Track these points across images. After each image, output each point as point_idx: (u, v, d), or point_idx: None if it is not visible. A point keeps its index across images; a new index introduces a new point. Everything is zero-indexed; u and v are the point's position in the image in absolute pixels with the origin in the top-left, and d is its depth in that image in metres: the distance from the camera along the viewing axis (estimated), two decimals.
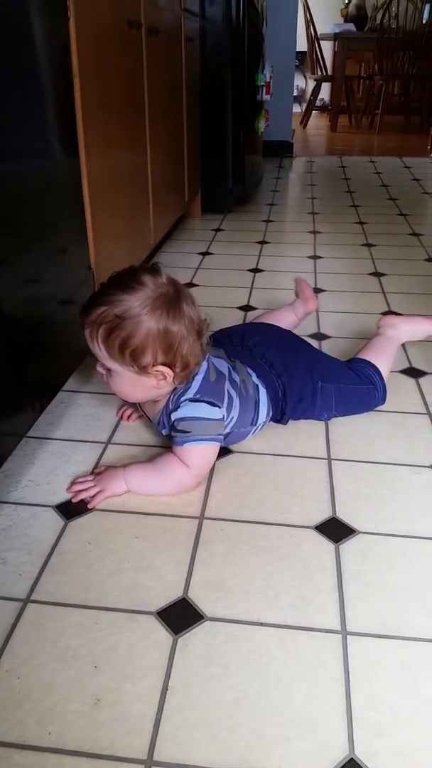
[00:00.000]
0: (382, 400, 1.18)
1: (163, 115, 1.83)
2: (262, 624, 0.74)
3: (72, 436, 1.10)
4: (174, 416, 0.95)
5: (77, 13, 1.06)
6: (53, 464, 1.03)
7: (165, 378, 0.92)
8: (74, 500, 0.94)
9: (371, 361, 1.20)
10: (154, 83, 1.68)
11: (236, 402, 1.01)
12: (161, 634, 0.73)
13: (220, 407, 0.96)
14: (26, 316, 0.94)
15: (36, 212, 0.96)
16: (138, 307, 0.87)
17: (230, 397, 0.99)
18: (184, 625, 0.74)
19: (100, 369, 0.96)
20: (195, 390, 0.95)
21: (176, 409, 0.95)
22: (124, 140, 1.43)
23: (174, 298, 0.90)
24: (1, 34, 0.80)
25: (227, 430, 1.01)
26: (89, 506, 0.93)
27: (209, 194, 2.66)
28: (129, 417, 1.15)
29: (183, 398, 0.95)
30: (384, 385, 1.18)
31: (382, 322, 1.32)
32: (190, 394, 0.95)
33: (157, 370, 0.90)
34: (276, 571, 0.82)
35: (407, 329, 1.30)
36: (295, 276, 1.47)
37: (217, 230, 2.47)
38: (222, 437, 0.99)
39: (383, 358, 1.22)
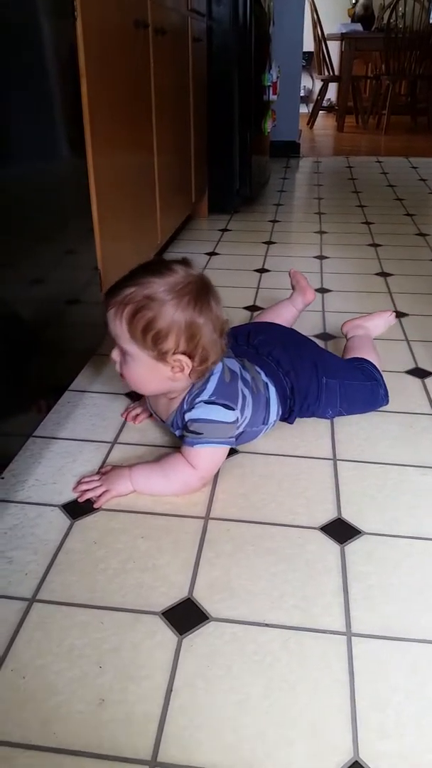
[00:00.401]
0: (386, 399, 1.18)
1: (170, 115, 1.83)
2: (266, 625, 0.74)
3: (78, 436, 1.11)
4: (188, 416, 0.95)
5: (84, 13, 1.07)
6: (59, 464, 1.03)
7: (182, 369, 0.90)
8: (80, 500, 0.94)
9: (365, 357, 1.22)
10: (161, 83, 1.68)
11: (249, 401, 1.00)
12: (166, 634, 0.73)
13: (234, 409, 0.96)
14: (33, 315, 0.94)
15: (43, 212, 0.97)
16: (166, 292, 0.87)
17: (244, 397, 0.99)
18: (188, 626, 0.74)
19: (114, 356, 0.94)
20: (210, 392, 0.94)
21: (191, 409, 0.95)
22: (130, 140, 1.43)
23: (202, 291, 0.90)
24: (8, 34, 0.81)
25: (240, 429, 1.01)
26: (95, 506, 0.93)
27: (216, 194, 2.67)
28: (136, 418, 1.15)
29: (198, 399, 0.94)
30: (384, 380, 1.19)
31: (345, 328, 1.36)
32: (205, 396, 0.94)
33: (176, 359, 0.89)
34: (281, 572, 0.82)
35: (371, 325, 1.35)
36: (290, 270, 1.47)
37: (224, 230, 2.47)
38: (233, 440, 0.98)
39: (371, 354, 1.24)
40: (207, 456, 0.95)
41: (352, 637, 0.73)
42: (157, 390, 0.97)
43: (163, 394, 1.00)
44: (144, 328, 0.87)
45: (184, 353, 0.89)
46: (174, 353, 0.89)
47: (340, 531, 0.89)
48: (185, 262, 0.91)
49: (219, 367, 0.96)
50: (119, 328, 0.89)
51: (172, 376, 0.92)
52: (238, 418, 0.97)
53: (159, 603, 0.77)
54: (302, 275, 1.42)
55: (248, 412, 1.01)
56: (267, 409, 1.05)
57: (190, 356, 0.90)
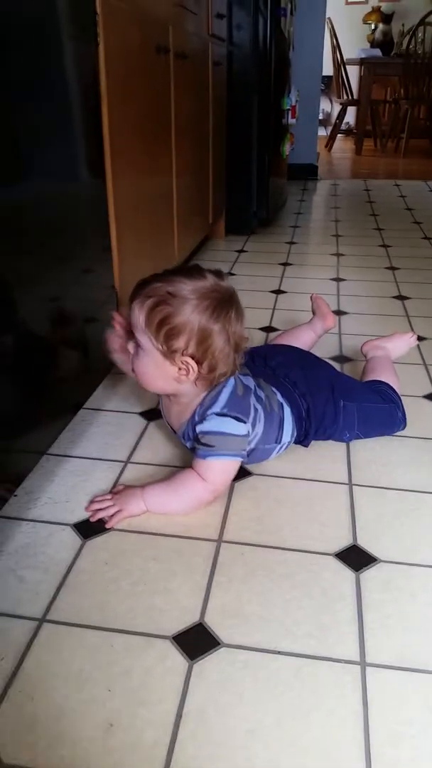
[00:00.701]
0: (403, 422, 1.17)
1: (189, 138, 1.85)
2: (279, 652, 0.73)
3: (92, 454, 1.10)
4: (199, 429, 0.95)
5: (107, 38, 1.08)
6: (72, 482, 1.03)
7: (188, 373, 0.91)
8: (92, 519, 0.93)
9: (383, 380, 1.21)
10: (181, 107, 1.70)
11: (261, 416, 1.00)
12: (177, 659, 0.72)
13: (245, 422, 0.95)
14: (50, 333, 0.95)
15: (62, 232, 0.97)
16: (191, 293, 0.89)
17: (256, 411, 0.99)
18: (200, 651, 0.73)
19: (129, 348, 0.95)
20: (222, 404, 0.94)
21: (202, 421, 0.95)
22: (150, 163, 1.45)
23: (226, 302, 0.91)
24: (33, 57, 0.82)
25: (251, 445, 1.01)
26: (107, 526, 0.92)
27: (233, 216, 2.68)
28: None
29: (210, 411, 0.94)
30: (402, 402, 1.18)
31: (365, 349, 1.35)
32: (216, 408, 0.94)
33: (183, 361, 0.90)
34: (294, 599, 0.80)
35: (391, 346, 1.35)
36: (312, 294, 1.47)
37: (241, 251, 2.47)
38: (245, 453, 0.98)
39: (389, 376, 1.24)
40: (218, 469, 0.94)
41: (367, 667, 0.71)
42: (162, 389, 0.97)
43: (175, 401, 1.00)
44: (160, 322, 0.88)
45: (192, 356, 0.90)
46: (183, 354, 0.90)
47: (356, 558, 0.88)
48: (218, 273, 0.93)
49: (232, 380, 0.96)
50: (138, 317, 0.90)
51: (178, 378, 0.92)
52: (249, 432, 0.97)
53: (170, 627, 0.76)
54: (324, 300, 1.43)
55: (260, 428, 1.00)
56: (280, 428, 1.05)
57: (198, 362, 0.90)
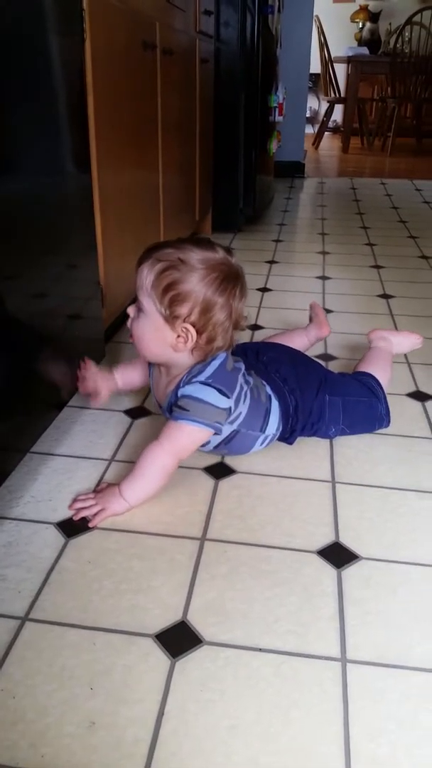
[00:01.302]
0: (387, 418, 1.18)
1: (176, 134, 1.84)
2: (260, 650, 0.74)
3: (76, 453, 1.10)
4: (180, 392, 0.96)
5: (93, 34, 1.08)
6: (56, 480, 1.02)
7: (186, 341, 0.93)
8: (75, 518, 0.93)
9: (371, 372, 1.22)
10: (168, 103, 1.69)
11: (247, 399, 1.01)
12: (159, 657, 0.72)
13: (228, 397, 0.96)
14: (34, 330, 0.95)
15: (47, 227, 0.97)
16: (200, 262, 0.91)
17: (241, 390, 1.00)
18: (182, 649, 0.73)
19: (130, 311, 0.96)
20: (208, 374, 0.95)
21: (184, 387, 0.96)
22: (136, 158, 1.44)
23: (232, 277, 0.93)
24: (18, 53, 0.81)
25: (234, 426, 1.01)
26: (90, 525, 0.92)
27: (220, 213, 2.68)
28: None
29: (195, 379, 0.95)
30: (385, 397, 1.19)
31: (371, 336, 1.36)
32: (202, 377, 0.95)
33: (184, 327, 0.92)
34: (276, 596, 0.81)
35: (395, 341, 1.36)
36: (310, 301, 1.48)
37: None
38: (219, 427, 0.97)
39: (381, 370, 1.25)
40: (185, 433, 0.95)
41: (347, 664, 0.72)
42: (156, 355, 0.98)
43: (165, 373, 1.01)
44: (166, 286, 0.90)
45: (193, 325, 0.92)
46: (185, 320, 0.92)
47: (338, 555, 0.88)
48: (228, 250, 0.95)
49: (223, 355, 0.97)
50: (145, 279, 0.92)
51: (175, 345, 0.94)
52: (231, 408, 0.98)
53: (153, 625, 0.76)
54: (321, 309, 1.44)
55: (244, 409, 1.01)
56: (266, 418, 1.06)
57: (199, 331, 0.92)
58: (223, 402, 0.95)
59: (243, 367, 1.04)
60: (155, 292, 0.91)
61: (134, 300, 0.97)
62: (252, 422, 1.04)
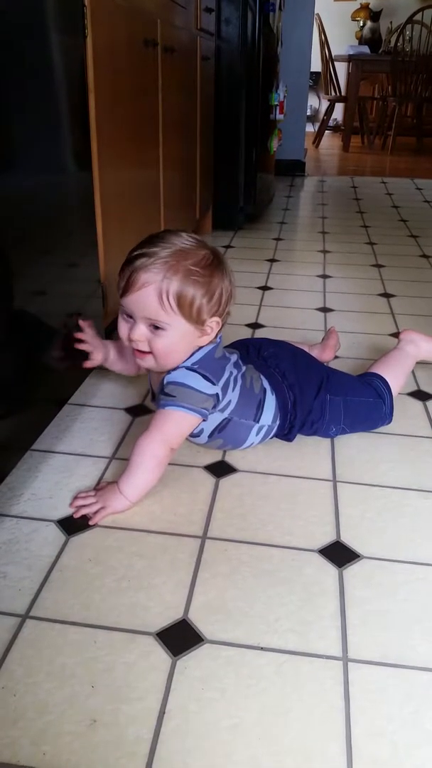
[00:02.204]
0: (389, 417, 1.17)
1: (176, 132, 1.84)
2: (262, 648, 0.73)
3: (76, 450, 1.10)
4: (166, 379, 0.96)
5: (95, 31, 1.08)
6: (56, 478, 1.02)
7: (208, 334, 0.95)
8: (76, 516, 0.93)
9: (381, 374, 1.21)
10: (169, 100, 1.69)
11: (237, 387, 1.01)
12: (160, 655, 0.72)
13: (214, 384, 0.96)
14: (35, 328, 0.94)
15: (48, 225, 0.97)
16: (200, 258, 0.92)
17: (230, 377, 1.00)
18: (183, 648, 0.73)
19: (140, 335, 0.92)
20: (194, 360, 0.96)
21: (171, 373, 0.96)
22: (137, 156, 1.44)
23: (219, 256, 0.96)
24: (19, 49, 0.81)
25: (225, 414, 1.01)
26: (90, 523, 0.92)
27: (220, 211, 2.68)
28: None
29: (181, 365, 0.96)
30: (391, 399, 1.18)
31: (403, 335, 1.33)
32: (188, 363, 0.96)
33: (209, 323, 0.94)
34: (277, 595, 0.81)
35: (427, 347, 1.31)
36: (330, 327, 1.48)
37: (228, 247, 2.47)
38: (206, 413, 0.97)
39: (396, 373, 1.23)
40: (173, 419, 0.95)
41: (349, 663, 0.72)
42: (180, 359, 0.97)
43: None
44: (192, 299, 0.91)
45: (219, 316, 0.95)
46: (212, 317, 0.94)
47: (339, 554, 0.88)
48: (177, 232, 0.96)
49: (213, 343, 0.98)
50: (164, 304, 0.90)
51: (198, 341, 0.96)
52: (218, 395, 0.98)
53: (154, 623, 0.76)
54: (337, 337, 1.43)
55: (233, 397, 1.01)
56: (259, 409, 1.06)
57: (220, 317, 0.96)
58: (209, 388, 0.96)
59: (235, 357, 1.05)
60: (186, 305, 0.90)
61: (125, 314, 0.94)
62: (244, 411, 1.04)
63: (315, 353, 1.38)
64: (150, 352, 0.95)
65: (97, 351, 1.10)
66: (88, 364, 1.10)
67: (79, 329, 1.07)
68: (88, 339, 1.09)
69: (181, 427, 0.96)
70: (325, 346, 1.40)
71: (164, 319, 0.91)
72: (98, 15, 1.09)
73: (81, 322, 1.08)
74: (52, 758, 0.61)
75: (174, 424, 0.95)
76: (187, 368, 0.95)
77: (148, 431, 0.95)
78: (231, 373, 1.01)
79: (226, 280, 0.95)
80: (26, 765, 0.61)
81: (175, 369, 0.96)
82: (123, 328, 0.95)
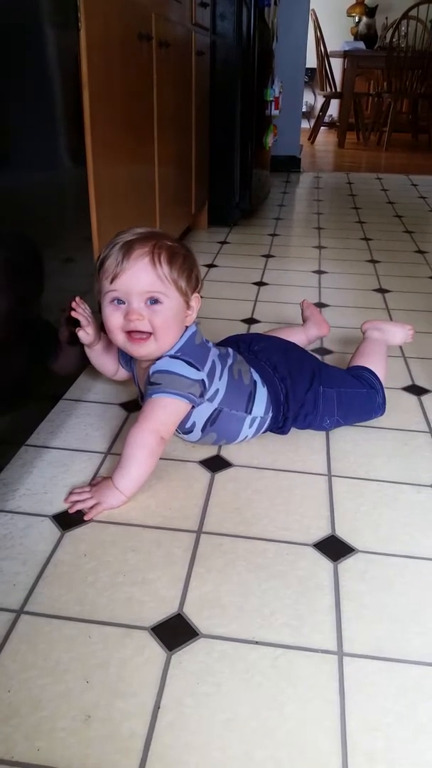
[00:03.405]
0: (382, 407, 1.18)
1: (171, 127, 1.83)
2: (257, 643, 0.73)
3: (71, 446, 1.10)
4: (151, 369, 0.97)
5: (88, 24, 1.07)
6: (51, 473, 1.02)
7: (191, 312, 0.98)
8: (71, 510, 0.93)
9: (367, 365, 1.22)
10: (164, 95, 1.68)
11: (224, 377, 1.02)
12: (155, 650, 0.72)
13: (199, 370, 0.97)
14: (30, 323, 0.94)
15: (43, 220, 0.96)
16: (167, 236, 0.97)
17: (214, 367, 1.01)
18: (178, 642, 0.73)
19: (136, 313, 0.92)
20: (176, 348, 0.97)
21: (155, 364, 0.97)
22: (131, 151, 1.44)
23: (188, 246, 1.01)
24: (11, 43, 0.81)
25: (215, 405, 1.02)
26: (86, 518, 0.92)
27: (216, 207, 2.67)
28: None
29: (165, 354, 0.97)
30: (383, 388, 1.19)
31: (364, 327, 1.35)
32: (171, 351, 0.97)
33: (194, 299, 0.98)
34: (272, 589, 0.81)
35: (389, 331, 1.34)
36: (301, 300, 1.47)
37: (223, 243, 2.47)
38: (195, 398, 0.97)
39: (374, 361, 1.24)
40: (161, 406, 0.94)
41: (344, 657, 0.72)
42: (173, 339, 0.98)
43: (148, 365, 1.00)
44: (181, 266, 0.94)
45: (199, 292, 0.99)
46: (194, 292, 0.98)
47: (334, 548, 0.88)
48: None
49: (192, 329, 1.00)
50: (158, 271, 0.92)
51: (186, 320, 0.98)
52: (204, 382, 0.98)
53: (148, 618, 0.76)
54: (316, 308, 1.43)
55: (221, 386, 1.02)
56: (250, 400, 1.06)
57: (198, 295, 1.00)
58: (194, 373, 0.96)
59: (218, 351, 1.06)
60: (175, 272, 0.93)
61: (114, 300, 0.94)
62: (234, 402, 1.04)
63: (313, 333, 1.39)
64: (150, 333, 0.94)
65: (91, 327, 1.08)
66: (80, 334, 1.07)
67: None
68: (83, 313, 1.07)
69: (170, 413, 0.95)
70: (317, 323, 1.41)
71: (161, 289, 0.92)
72: (92, 8, 1.08)
73: (77, 298, 1.07)
74: (46, 754, 0.61)
75: (162, 411, 0.95)
76: (171, 356, 0.96)
77: (138, 422, 0.94)
78: (214, 362, 1.02)
79: (195, 258, 1.00)
80: (20, 761, 0.60)
81: (159, 358, 0.97)
82: (114, 316, 0.94)
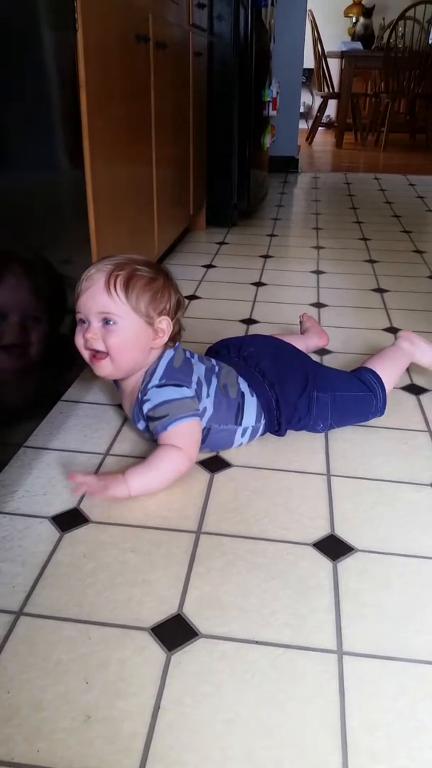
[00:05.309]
0: (381, 411, 1.17)
1: (169, 128, 1.84)
2: (257, 642, 0.73)
3: (70, 447, 1.10)
4: (146, 408, 0.98)
5: (85, 25, 1.07)
6: (50, 475, 1.02)
7: (161, 336, 0.98)
8: (75, 492, 0.92)
9: (374, 369, 1.20)
10: (161, 96, 1.68)
11: (211, 395, 1.02)
12: (155, 650, 0.72)
13: (188, 387, 0.99)
14: (28, 324, 0.94)
15: (40, 222, 0.96)
16: (146, 264, 0.99)
17: (200, 386, 1.01)
18: (178, 642, 0.73)
19: (91, 332, 0.95)
20: (159, 376, 0.99)
21: (146, 400, 0.98)
22: (129, 152, 1.44)
23: (168, 272, 1.02)
24: (9, 45, 0.81)
25: (204, 423, 1.02)
26: (90, 495, 0.93)
27: (214, 208, 2.68)
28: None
29: (149, 387, 0.98)
30: (384, 393, 1.17)
31: (401, 334, 1.31)
32: (155, 381, 0.98)
33: (160, 321, 0.97)
34: (272, 589, 0.81)
35: (423, 347, 1.28)
36: (300, 314, 1.48)
37: (222, 243, 2.47)
38: (198, 413, 0.99)
39: (389, 368, 1.21)
40: (184, 432, 0.97)
41: (344, 656, 0.72)
42: (138, 363, 1.00)
43: (128, 386, 1.03)
44: (143, 286, 0.95)
45: (170, 317, 0.99)
46: (161, 315, 0.97)
47: (333, 548, 0.88)
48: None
49: (170, 353, 1.01)
50: (111, 293, 0.94)
51: (152, 343, 0.98)
52: (196, 394, 1.00)
53: (148, 618, 0.76)
54: (315, 320, 1.43)
55: (208, 404, 1.02)
56: (239, 413, 1.06)
57: (173, 321, 0.99)
58: (185, 391, 0.98)
59: (203, 368, 1.05)
60: (133, 295, 0.94)
61: (80, 320, 0.97)
62: (222, 418, 1.04)
63: (312, 343, 1.39)
64: (106, 354, 0.96)
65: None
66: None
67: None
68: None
69: (193, 435, 0.99)
70: (317, 334, 1.40)
71: (114, 311, 0.94)
72: (89, 9, 1.08)
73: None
74: (46, 755, 0.61)
75: (187, 437, 0.97)
76: (157, 386, 0.98)
77: (175, 447, 0.96)
78: (200, 380, 1.02)
79: (172, 283, 1.01)
80: (21, 762, 0.60)
81: (145, 394, 0.98)
82: (78, 335, 0.98)
